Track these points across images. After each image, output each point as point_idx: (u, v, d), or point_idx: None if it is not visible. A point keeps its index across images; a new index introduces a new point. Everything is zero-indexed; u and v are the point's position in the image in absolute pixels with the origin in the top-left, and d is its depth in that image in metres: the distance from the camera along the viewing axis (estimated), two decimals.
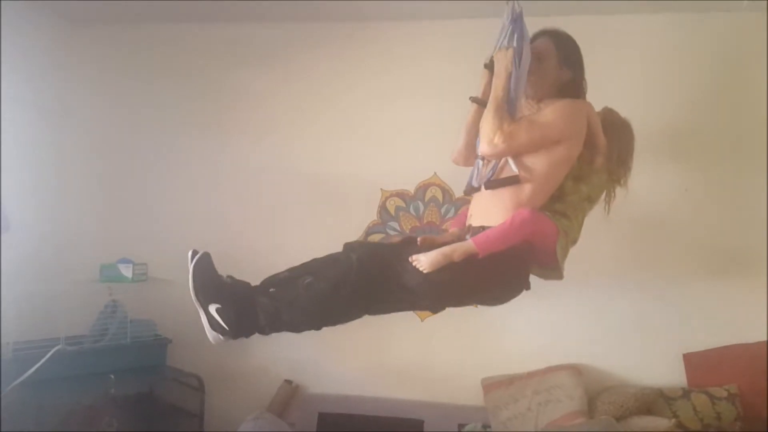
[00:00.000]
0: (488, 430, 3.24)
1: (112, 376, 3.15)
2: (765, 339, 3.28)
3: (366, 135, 3.73)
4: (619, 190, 2.64)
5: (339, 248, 3.68)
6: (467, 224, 2.41)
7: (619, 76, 3.47)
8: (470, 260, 2.15)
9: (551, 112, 2.28)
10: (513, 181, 2.30)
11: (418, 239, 2.34)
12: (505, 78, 2.28)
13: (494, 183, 2.35)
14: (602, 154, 2.45)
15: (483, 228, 2.28)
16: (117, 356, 3.32)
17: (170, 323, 3.62)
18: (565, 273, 2.39)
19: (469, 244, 2.17)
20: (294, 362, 3.68)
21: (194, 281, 2.19)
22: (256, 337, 3.66)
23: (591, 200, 2.53)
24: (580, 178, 2.44)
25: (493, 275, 2.21)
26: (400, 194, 3.69)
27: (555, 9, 3.19)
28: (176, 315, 3.66)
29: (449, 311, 3.55)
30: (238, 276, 3.70)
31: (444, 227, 2.49)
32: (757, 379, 3.17)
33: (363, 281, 2.14)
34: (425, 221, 3.67)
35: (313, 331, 3.59)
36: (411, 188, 3.69)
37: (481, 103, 2.42)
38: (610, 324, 3.47)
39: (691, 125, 3.45)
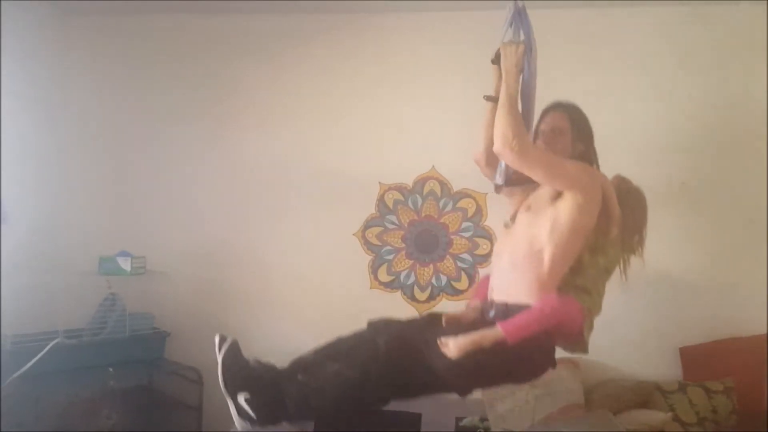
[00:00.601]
0: (486, 422, 3.24)
1: (111, 369, 3.17)
2: (761, 333, 3.29)
3: (364, 128, 3.73)
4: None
5: (337, 243, 3.72)
6: (490, 298, 2.37)
7: (619, 69, 3.48)
8: (498, 344, 2.11)
9: (569, 161, 2.30)
10: (529, 179, 2.30)
11: (443, 318, 2.30)
12: (516, 74, 2.25)
13: (514, 180, 2.37)
14: (618, 224, 2.40)
15: (507, 305, 2.25)
16: (116, 349, 3.33)
17: (169, 316, 3.64)
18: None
19: (498, 332, 2.10)
20: (292, 355, 3.66)
21: (223, 372, 2.19)
22: (254, 330, 3.72)
23: (608, 272, 2.49)
24: (596, 250, 2.40)
25: (520, 358, 2.16)
26: (398, 188, 3.70)
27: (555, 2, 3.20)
28: (175, 308, 3.69)
29: (445, 303, 3.60)
30: (234, 270, 3.74)
31: (465, 300, 2.45)
32: (753, 373, 3.18)
33: (391, 367, 2.12)
34: (423, 215, 3.68)
35: (309, 324, 3.65)
36: (409, 182, 3.69)
37: (495, 101, 2.37)
38: (606, 317, 3.47)
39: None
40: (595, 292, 2.43)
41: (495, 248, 2.53)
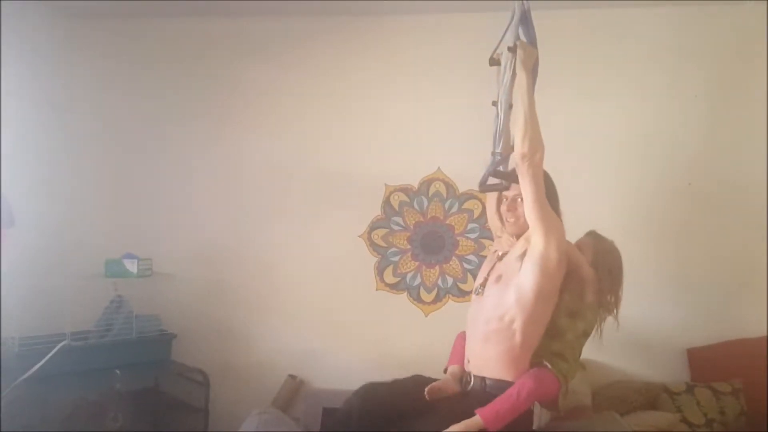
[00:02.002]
0: None
1: (118, 371, 3.16)
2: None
3: (369, 130, 3.73)
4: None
5: (343, 245, 3.71)
6: (467, 370, 2.43)
7: (620, 68, 3.48)
8: None
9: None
10: (510, 178, 2.30)
11: (426, 391, 2.33)
12: (530, 75, 2.24)
13: (488, 187, 2.41)
14: (592, 288, 2.43)
15: (484, 380, 2.33)
16: (122, 351, 3.33)
17: (175, 318, 3.64)
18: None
19: (478, 420, 2.15)
20: (298, 357, 3.69)
21: None
22: (260, 332, 3.72)
23: (586, 335, 2.51)
24: (575, 315, 2.42)
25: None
26: (404, 189, 3.69)
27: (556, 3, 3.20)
28: (181, 310, 3.69)
29: (451, 304, 3.60)
30: (240, 272, 3.73)
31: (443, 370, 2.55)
32: (761, 375, 3.16)
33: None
34: (429, 216, 3.67)
35: (315, 326, 3.65)
36: (415, 183, 3.68)
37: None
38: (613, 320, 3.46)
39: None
40: (572, 358, 2.46)
41: (469, 314, 2.50)
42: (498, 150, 2.30)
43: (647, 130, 3.45)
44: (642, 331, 3.42)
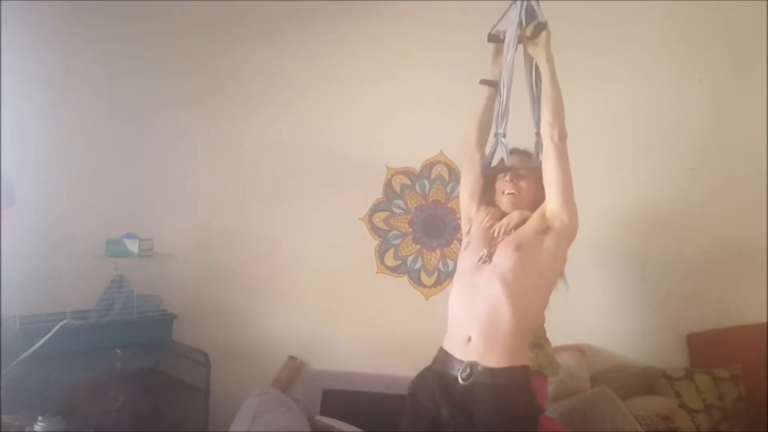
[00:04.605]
0: None
1: (119, 351, 3.17)
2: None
3: (371, 112, 3.71)
4: None
5: (344, 228, 3.70)
6: (458, 357, 2.16)
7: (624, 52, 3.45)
8: None
9: None
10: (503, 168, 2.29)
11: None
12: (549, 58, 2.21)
13: (492, 169, 2.33)
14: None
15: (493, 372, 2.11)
16: (123, 331, 3.34)
17: (176, 299, 3.64)
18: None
19: None
20: (299, 339, 3.70)
21: None
22: (260, 313, 3.73)
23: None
24: None
25: None
26: (406, 172, 3.68)
27: None
28: (182, 291, 3.69)
29: (451, 288, 3.59)
30: (241, 253, 3.73)
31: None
32: (760, 361, 3.18)
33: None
34: (431, 199, 3.67)
35: (315, 308, 3.66)
36: (417, 166, 3.67)
37: (493, 85, 2.34)
38: (613, 304, 3.47)
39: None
40: (546, 342, 2.46)
41: (469, 284, 2.24)
42: (501, 131, 2.26)
43: (652, 114, 3.44)
44: (642, 317, 3.43)
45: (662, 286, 3.42)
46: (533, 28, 2.23)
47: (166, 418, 3.43)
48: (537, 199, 2.27)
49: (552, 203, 2.18)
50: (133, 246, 3.43)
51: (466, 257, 2.28)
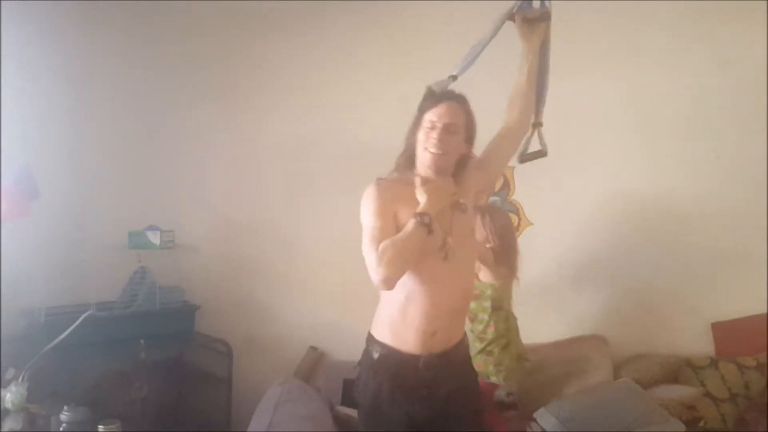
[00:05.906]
0: (512, 397, 3.23)
1: (142, 342, 3.21)
2: None
3: (390, 106, 3.68)
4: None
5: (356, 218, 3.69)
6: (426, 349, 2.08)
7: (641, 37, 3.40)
8: None
9: None
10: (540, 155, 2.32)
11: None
12: (537, 51, 2.23)
13: (527, 156, 2.37)
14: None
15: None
16: (146, 322, 3.38)
17: (198, 290, 3.68)
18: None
19: None
20: (319, 329, 3.72)
21: None
22: (281, 304, 3.74)
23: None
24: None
25: None
26: None
27: None
28: (204, 281, 3.73)
29: None
30: (261, 245, 3.74)
31: None
32: None
33: None
34: None
35: (333, 299, 3.66)
36: None
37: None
38: (637, 293, 3.43)
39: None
40: (506, 300, 2.50)
41: (432, 280, 2.06)
42: (456, 73, 2.29)
43: (674, 102, 3.38)
44: (666, 305, 3.39)
45: (686, 274, 3.37)
46: (539, 13, 2.22)
47: (190, 407, 3.47)
48: (458, 159, 2.12)
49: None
50: (155, 237, 3.46)
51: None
